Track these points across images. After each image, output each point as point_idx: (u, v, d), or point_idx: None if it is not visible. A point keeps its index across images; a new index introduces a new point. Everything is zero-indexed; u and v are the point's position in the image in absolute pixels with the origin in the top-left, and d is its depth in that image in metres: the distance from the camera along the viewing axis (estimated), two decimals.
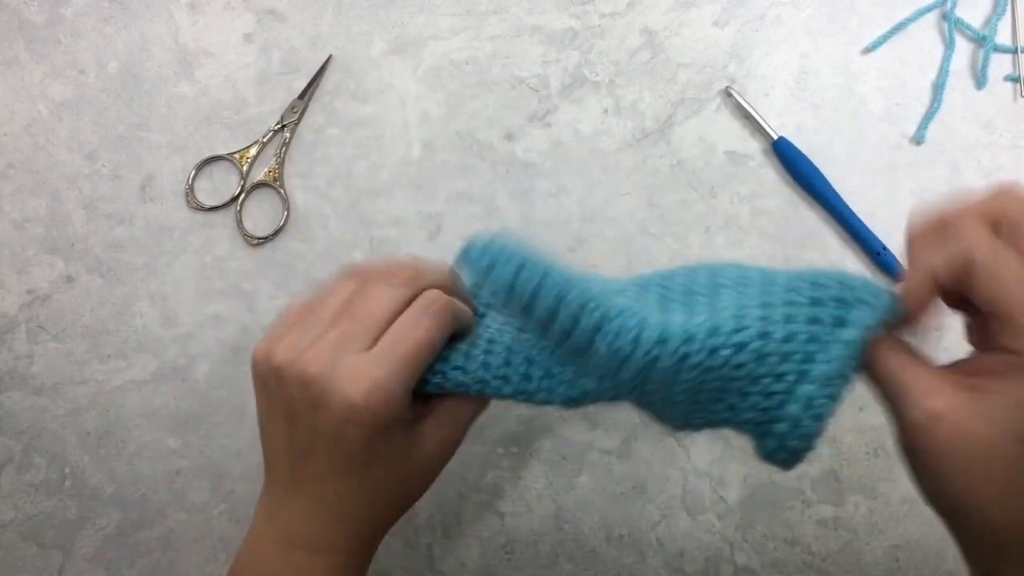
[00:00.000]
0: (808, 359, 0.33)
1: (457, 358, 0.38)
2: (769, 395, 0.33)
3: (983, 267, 0.30)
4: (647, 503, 0.53)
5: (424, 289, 0.37)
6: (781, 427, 0.34)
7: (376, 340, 0.35)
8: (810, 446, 0.33)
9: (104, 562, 0.53)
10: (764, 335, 0.32)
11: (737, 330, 0.32)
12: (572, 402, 0.37)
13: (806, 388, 0.32)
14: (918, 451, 0.30)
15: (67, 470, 0.54)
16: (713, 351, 0.32)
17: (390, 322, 0.36)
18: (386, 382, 0.34)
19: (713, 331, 0.32)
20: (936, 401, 0.29)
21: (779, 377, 0.33)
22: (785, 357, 0.33)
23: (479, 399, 0.40)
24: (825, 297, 0.34)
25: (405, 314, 0.36)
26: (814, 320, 0.33)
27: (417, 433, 0.38)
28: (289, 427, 0.36)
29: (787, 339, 0.33)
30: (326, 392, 0.34)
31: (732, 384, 0.34)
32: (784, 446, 0.34)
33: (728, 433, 0.53)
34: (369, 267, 0.39)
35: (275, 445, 0.38)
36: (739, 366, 0.33)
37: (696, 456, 0.53)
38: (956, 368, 0.31)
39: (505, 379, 0.37)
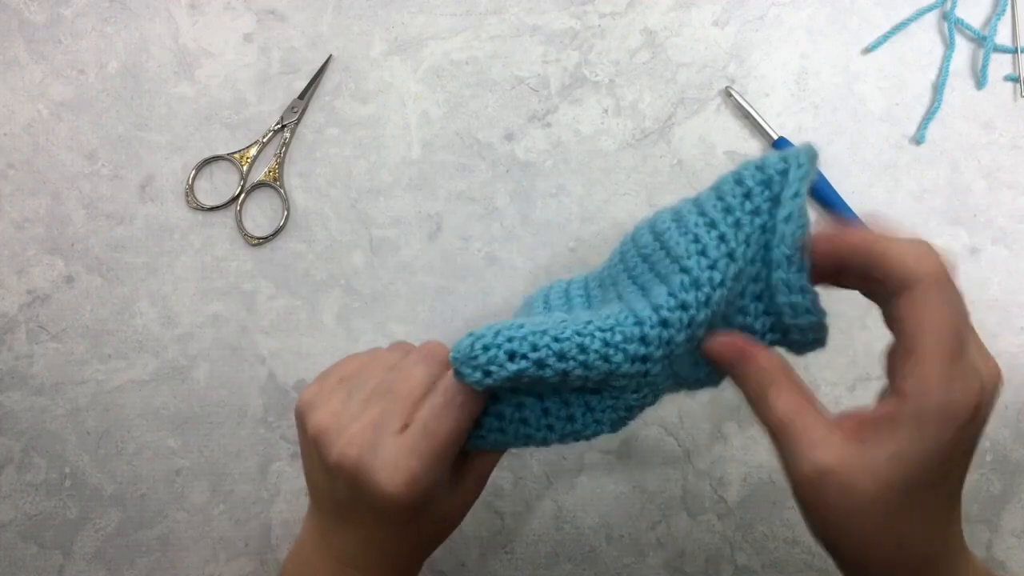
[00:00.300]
0: (767, 248, 0.34)
1: (492, 423, 0.38)
2: (759, 298, 0.35)
3: (920, 282, 0.31)
4: (647, 503, 0.53)
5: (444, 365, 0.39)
6: (786, 319, 0.35)
7: (410, 416, 0.37)
8: (818, 316, 0.35)
9: (104, 562, 0.53)
10: (730, 255, 0.34)
11: (711, 266, 0.34)
12: (621, 422, 0.38)
13: (777, 275, 0.34)
14: (807, 502, 0.31)
15: (67, 470, 0.54)
16: (706, 301, 0.33)
17: (423, 398, 0.37)
18: (421, 474, 0.36)
19: (695, 283, 0.34)
20: (825, 455, 0.30)
21: (757, 280, 0.35)
22: (751, 261, 0.34)
23: (484, 470, 0.42)
24: (752, 187, 0.35)
25: (432, 402, 0.37)
26: (755, 212, 0.34)
27: (454, 491, 0.39)
28: (331, 483, 0.38)
29: (746, 244, 0.34)
30: (364, 479, 0.36)
31: (730, 313, 0.35)
32: (799, 329, 0.36)
33: (728, 432, 0.54)
34: (411, 345, 0.41)
35: (318, 490, 0.40)
36: (730, 294, 0.34)
37: (696, 456, 0.53)
38: (849, 417, 0.32)
39: (551, 428, 0.38)
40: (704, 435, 0.53)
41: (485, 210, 0.56)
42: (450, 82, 0.58)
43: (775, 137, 0.56)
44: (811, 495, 0.31)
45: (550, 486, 0.53)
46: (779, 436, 0.32)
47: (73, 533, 0.53)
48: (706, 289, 0.33)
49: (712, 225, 0.34)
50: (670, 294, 0.34)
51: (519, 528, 0.53)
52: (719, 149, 0.57)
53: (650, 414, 0.54)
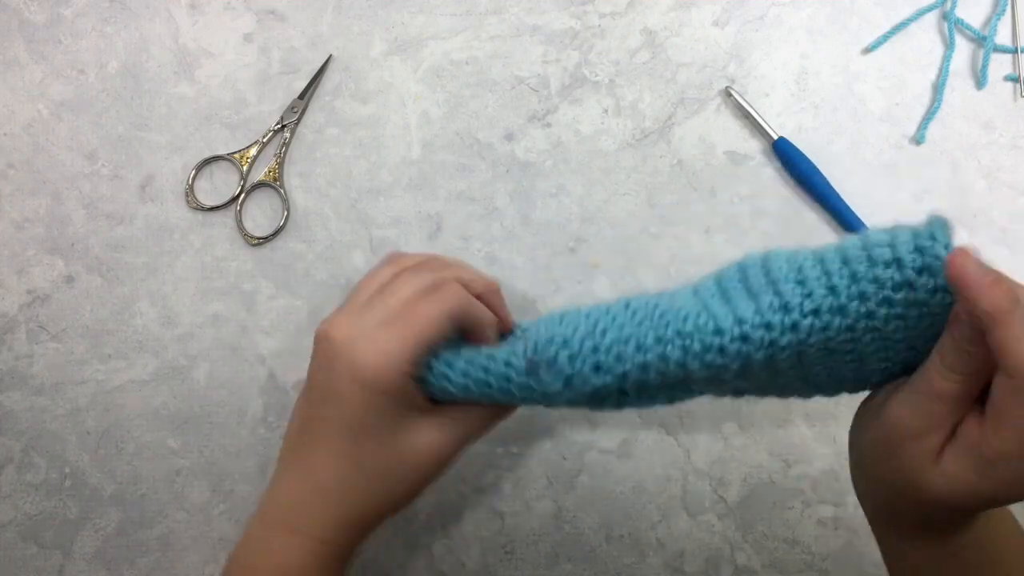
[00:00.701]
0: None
1: (457, 359, 0.39)
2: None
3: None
4: (647, 503, 0.53)
5: (449, 280, 0.40)
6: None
7: (394, 314, 0.38)
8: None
9: (104, 562, 0.53)
10: (832, 290, 0.33)
11: (807, 295, 0.33)
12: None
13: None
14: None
15: (67, 470, 0.54)
16: (793, 327, 0.33)
17: (405, 301, 0.39)
18: (388, 347, 0.37)
19: (784, 307, 0.33)
20: None
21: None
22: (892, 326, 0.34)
23: (484, 416, 0.41)
24: (879, 260, 0.35)
25: (418, 293, 0.39)
26: (878, 282, 0.34)
27: (413, 425, 0.39)
28: (308, 393, 0.40)
29: (860, 299, 0.33)
30: (339, 353, 0.37)
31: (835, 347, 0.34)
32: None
33: (728, 432, 0.54)
34: (409, 256, 0.43)
35: (293, 420, 0.41)
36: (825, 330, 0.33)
37: (696, 456, 0.53)
38: None
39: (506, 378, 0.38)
40: (704, 435, 0.53)
41: (485, 210, 0.56)
42: (450, 82, 0.58)
43: (775, 137, 0.56)
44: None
45: (550, 486, 0.53)
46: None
47: (73, 533, 0.53)
48: (795, 315, 0.33)
49: (822, 262, 0.34)
50: (757, 311, 0.33)
51: (519, 528, 0.53)
52: (719, 149, 0.57)
53: (650, 414, 0.54)
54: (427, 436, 0.40)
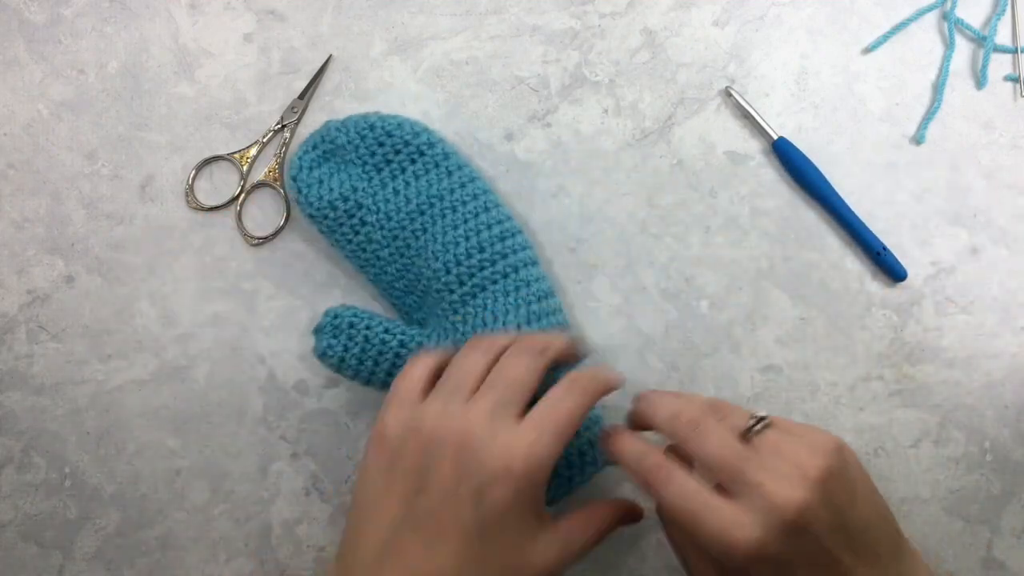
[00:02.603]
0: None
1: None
2: None
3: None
4: (647, 503, 0.53)
5: (555, 357, 0.40)
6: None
7: (524, 406, 0.37)
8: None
9: (104, 562, 0.53)
10: None
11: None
12: None
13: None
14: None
15: (67, 470, 0.54)
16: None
17: (534, 389, 0.38)
18: (540, 448, 0.35)
19: None
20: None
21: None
22: None
23: (599, 532, 0.41)
24: None
25: (557, 386, 0.38)
26: None
27: (538, 537, 0.37)
28: (413, 494, 0.36)
29: None
30: (484, 454, 0.35)
31: None
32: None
33: None
34: (493, 339, 0.42)
35: (378, 517, 0.37)
36: None
37: None
38: None
39: None
40: None
41: None
42: (450, 82, 0.58)
43: (775, 137, 0.56)
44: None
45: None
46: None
47: (73, 533, 0.54)
48: None
49: None
50: None
51: None
52: (719, 149, 0.57)
53: None
54: (547, 551, 0.38)
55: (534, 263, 0.51)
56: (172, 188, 0.57)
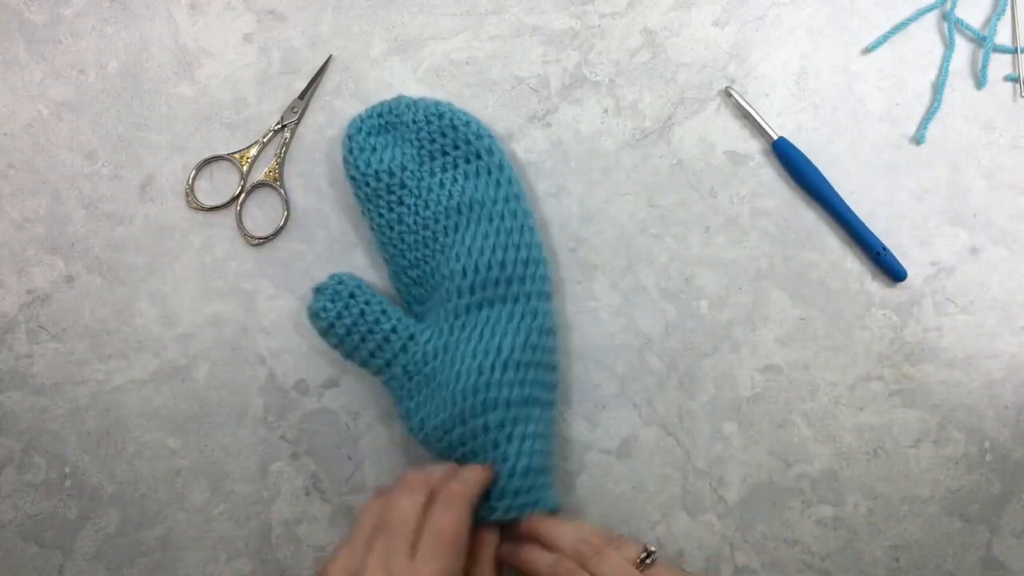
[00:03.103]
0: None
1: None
2: None
3: None
4: (647, 503, 0.53)
5: (436, 486, 0.43)
6: None
7: (414, 544, 0.40)
8: None
9: (104, 562, 0.53)
10: None
11: None
12: None
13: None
14: None
15: (67, 470, 0.54)
16: None
17: (419, 523, 0.41)
18: (442, 574, 0.39)
19: None
20: None
21: None
22: None
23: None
24: None
25: (435, 507, 0.41)
26: None
27: None
28: None
29: None
30: None
31: None
32: None
33: (728, 432, 0.54)
34: (426, 477, 0.45)
35: None
36: None
37: (696, 456, 0.53)
38: None
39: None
40: (704, 435, 0.53)
41: None
42: (450, 82, 0.58)
43: (775, 137, 0.56)
44: None
45: None
46: None
47: (73, 533, 0.54)
48: None
49: None
50: None
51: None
52: (719, 149, 0.57)
53: (650, 414, 0.54)
54: None
55: (547, 297, 0.51)
56: (172, 188, 0.57)
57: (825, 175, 0.55)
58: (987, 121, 0.57)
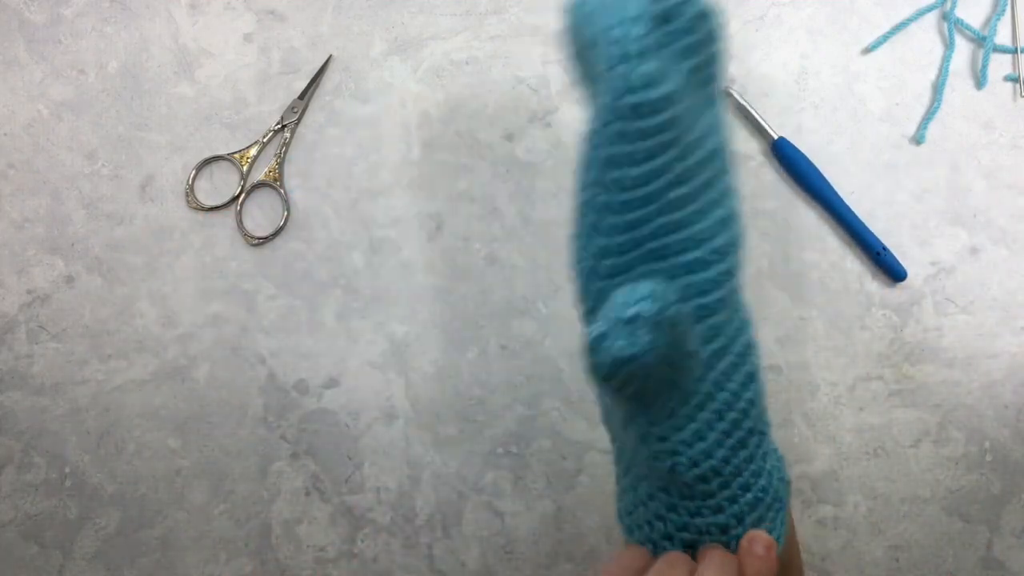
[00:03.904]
0: None
1: None
2: None
3: None
4: None
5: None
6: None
7: None
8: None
9: (104, 562, 0.53)
10: None
11: None
12: None
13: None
14: None
15: (67, 470, 0.54)
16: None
17: None
18: None
19: None
20: None
21: None
22: None
23: None
24: None
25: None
26: None
27: None
28: None
29: None
30: None
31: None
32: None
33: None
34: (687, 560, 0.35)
35: None
36: None
37: None
38: None
39: None
40: None
41: (485, 210, 0.56)
42: (450, 82, 0.58)
43: (775, 137, 0.56)
44: None
45: (550, 486, 0.53)
46: None
47: (73, 533, 0.54)
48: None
49: None
50: None
51: (519, 528, 0.53)
52: None
53: None
54: None
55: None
56: (172, 188, 0.57)
57: (825, 175, 0.55)
58: (987, 121, 0.57)
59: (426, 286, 0.56)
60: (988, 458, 0.53)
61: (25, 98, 0.58)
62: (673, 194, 0.34)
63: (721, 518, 0.34)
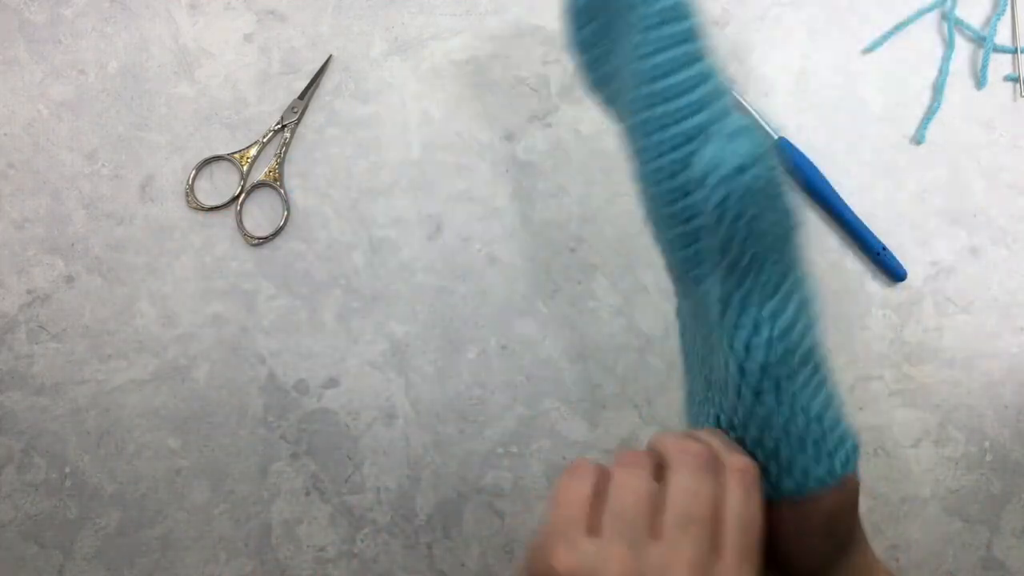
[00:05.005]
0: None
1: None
2: None
3: None
4: None
5: (718, 465, 0.33)
6: None
7: (654, 529, 0.31)
8: None
9: (104, 562, 0.53)
10: None
11: None
12: None
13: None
14: None
15: (67, 470, 0.54)
16: None
17: (714, 519, 0.31)
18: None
19: None
20: None
21: None
22: None
23: None
24: None
25: (735, 508, 0.32)
26: None
27: None
28: None
29: None
30: None
31: None
32: None
33: None
34: (647, 453, 0.34)
35: None
36: None
37: None
38: None
39: None
40: None
41: (485, 210, 0.56)
42: (450, 82, 0.58)
43: (775, 137, 0.56)
44: None
45: (550, 486, 0.53)
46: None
47: (73, 533, 0.54)
48: None
49: None
50: None
51: (519, 528, 0.53)
52: None
53: (649, 413, 0.54)
54: None
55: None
56: (172, 188, 0.57)
57: (825, 175, 0.55)
58: (987, 121, 0.57)
59: (426, 286, 0.56)
60: (988, 458, 0.53)
61: (25, 98, 0.58)
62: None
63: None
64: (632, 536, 0.31)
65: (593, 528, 0.31)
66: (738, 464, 0.32)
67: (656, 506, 0.32)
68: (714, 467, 0.32)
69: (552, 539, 0.31)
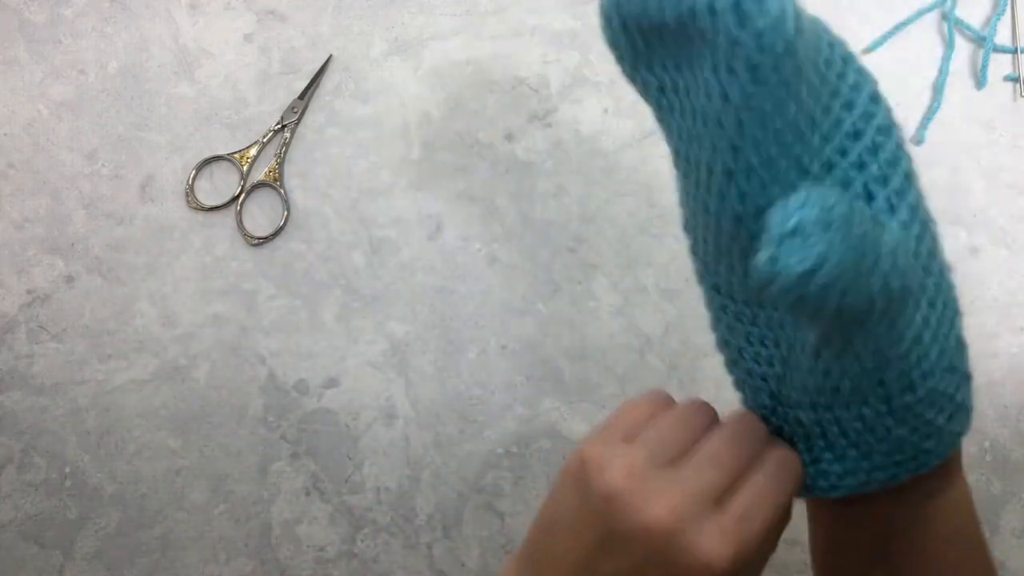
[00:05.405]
0: None
1: None
2: None
3: None
4: None
5: (763, 450, 0.34)
6: None
7: (730, 490, 0.32)
8: None
9: (104, 562, 0.53)
10: None
11: None
12: None
13: None
14: None
15: (67, 470, 0.54)
16: None
17: (734, 478, 0.33)
18: (748, 555, 0.31)
19: None
20: None
21: None
22: None
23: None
24: None
25: (763, 470, 0.33)
26: None
27: None
28: (598, 550, 0.32)
29: None
30: (678, 550, 0.31)
31: None
32: None
33: None
34: (709, 406, 0.36)
35: (564, 544, 0.33)
36: None
37: None
38: None
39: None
40: None
41: (485, 210, 0.56)
42: (450, 82, 0.58)
43: None
44: None
45: (550, 486, 0.53)
46: None
47: (73, 533, 0.54)
48: None
49: None
50: None
51: (519, 528, 0.53)
52: None
53: None
54: None
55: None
56: (172, 188, 0.57)
57: None
58: (987, 121, 0.57)
59: (426, 286, 0.56)
60: (988, 458, 0.53)
61: (25, 98, 0.58)
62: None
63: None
64: (655, 453, 0.33)
65: (630, 438, 0.34)
66: (784, 451, 0.34)
67: (692, 445, 0.34)
68: (762, 440, 0.34)
69: (592, 435, 0.34)
